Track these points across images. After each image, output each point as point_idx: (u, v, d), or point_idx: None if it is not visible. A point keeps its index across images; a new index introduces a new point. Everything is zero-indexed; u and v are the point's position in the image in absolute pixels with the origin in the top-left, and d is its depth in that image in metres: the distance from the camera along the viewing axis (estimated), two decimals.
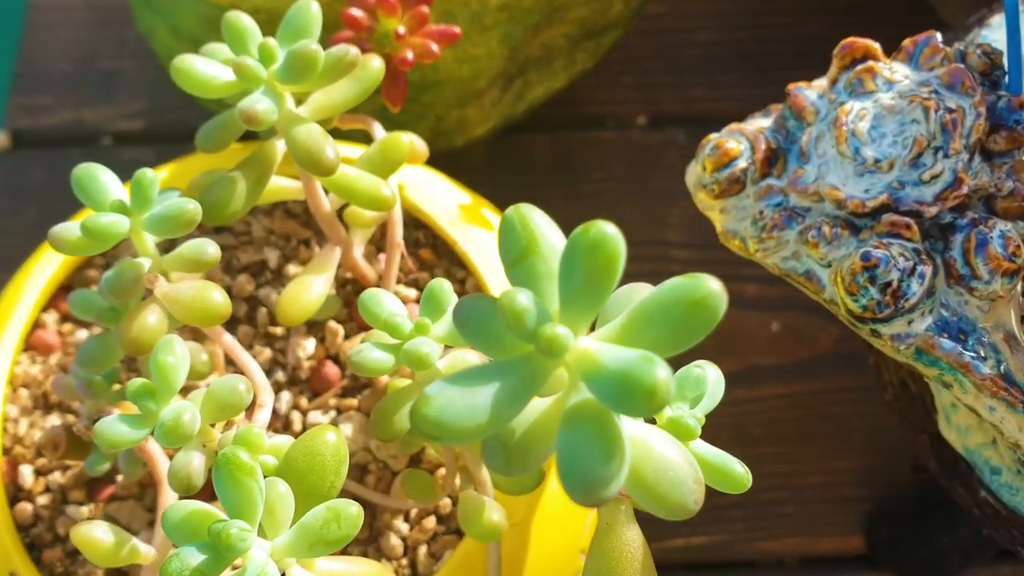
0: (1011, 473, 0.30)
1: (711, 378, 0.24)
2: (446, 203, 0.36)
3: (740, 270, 0.55)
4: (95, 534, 0.25)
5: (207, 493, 0.25)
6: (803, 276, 0.27)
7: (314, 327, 0.35)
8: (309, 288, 0.31)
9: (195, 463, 0.24)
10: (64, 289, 0.36)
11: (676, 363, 0.27)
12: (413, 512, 0.32)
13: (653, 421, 0.25)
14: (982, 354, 0.25)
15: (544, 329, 0.17)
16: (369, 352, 0.25)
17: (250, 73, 0.27)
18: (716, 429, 0.53)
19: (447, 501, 0.32)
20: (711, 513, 0.50)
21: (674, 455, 0.20)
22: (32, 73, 0.59)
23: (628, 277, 0.55)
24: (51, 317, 0.35)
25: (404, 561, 0.32)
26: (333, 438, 0.23)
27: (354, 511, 0.22)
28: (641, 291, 0.22)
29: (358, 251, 0.34)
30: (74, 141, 0.58)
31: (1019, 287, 0.26)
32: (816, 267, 0.27)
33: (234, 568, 0.22)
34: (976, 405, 0.25)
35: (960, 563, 0.45)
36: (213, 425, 0.25)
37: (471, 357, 0.27)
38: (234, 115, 0.27)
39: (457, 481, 0.31)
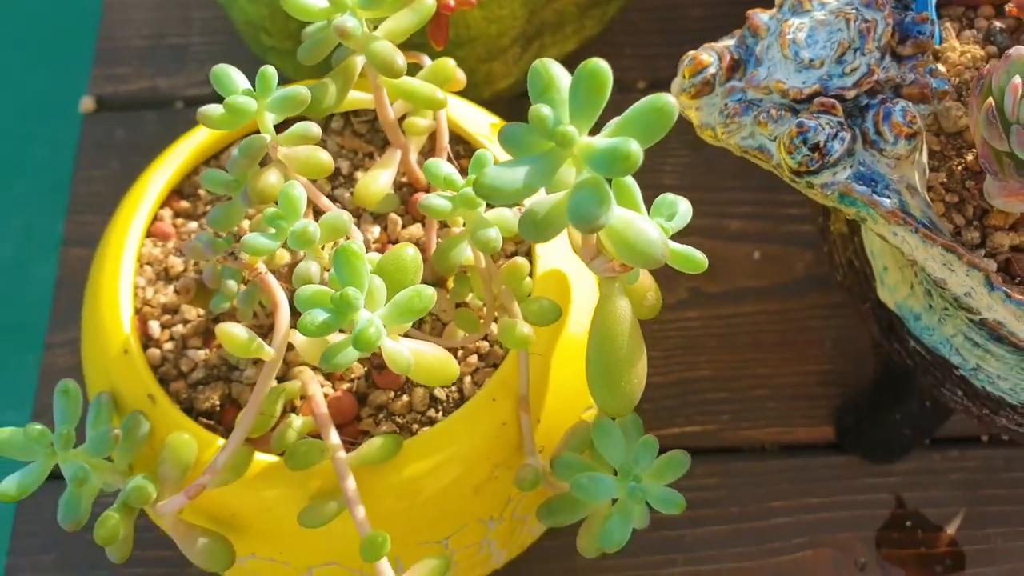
0: (928, 314, 0.39)
1: (681, 207, 0.33)
2: (481, 124, 0.45)
3: (727, 209, 0.64)
4: (234, 330, 0.34)
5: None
6: (757, 150, 0.36)
7: (379, 218, 0.43)
8: (378, 177, 0.40)
9: (313, 268, 0.33)
10: (176, 193, 0.44)
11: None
12: (459, 352, 0.41)
13: None
14: (887, 195, 0.33)
15: (559, 128, 0.26)
16: (434, 199, 0.34)
17: (339, 1, 0.36)
18: (705, 338, 0.62)
19: (485, 344, 0.41)
20: (702, 407, 0.59)
21: (651, 229, 0.28)
22: (111, 48, 0.69)
23: None
24: (167, 213, 0.44)
25: (453, 388, 0.41)
26: (412, 252, 0.32)
27: (430, 292, 0.31)
28: None
29: (413, 156, 0.42)
30: (150, 105, 0.67)
31: (919, 154, 0.35)
32: (766, 142, 0.35)
33: (343, 332, 0.30)
34: (884, 232, 0.33)
35: (910, 436, 0.54)
36: (323, 248, 0.34)
37: (508, 213, 0.36)
38: (328, 31, 0.36)
39: (493, 326, 0.40)
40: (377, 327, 0.30)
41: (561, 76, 0.27)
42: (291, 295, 0.38)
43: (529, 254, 0.42)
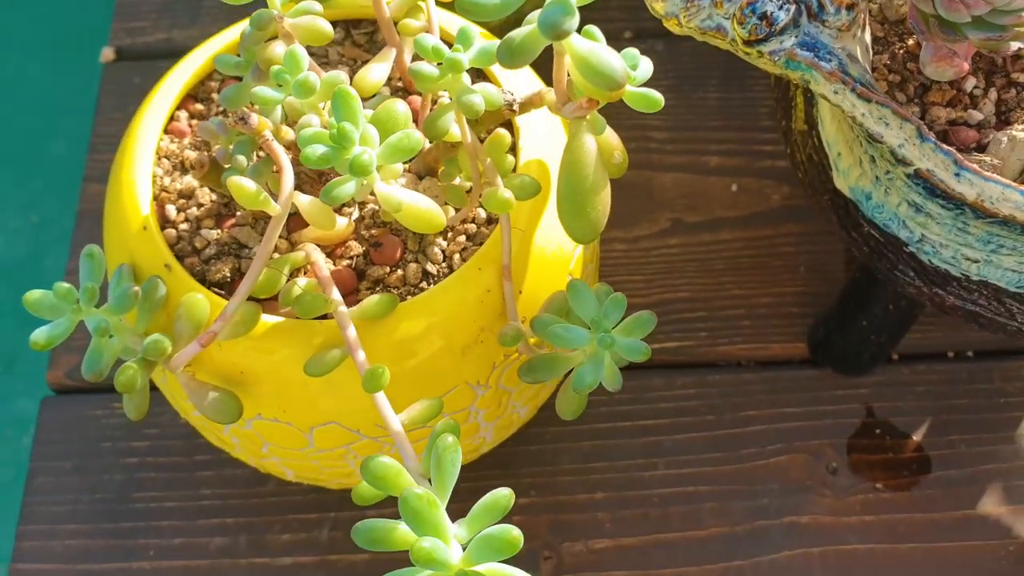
0: (876, 190, 0.43)
1: (643, 63, 0.36)
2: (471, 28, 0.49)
3: (707, 147, 0.68)
4: (243, 182, 0.38)
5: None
6: (715, 30, 0.39)
7: None
8: (374, 69, 0.44)
9: (314, 120, 0.37)
10: (190, 97, 0.49)
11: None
12: (450, 233, 0.45)
13: None
14: (828, 59, 0.37)
15: None
16: (423, 65, 0.38)
17: None
18: (684, 263, 0.66)
19: (473, 226, 0.45)
20: (681, 325, 0.63)
21: (613, 57, 0.32)
22: (130, 3, 0.73)
23: None
24: (183, 114, 0.48)
25: (443, 264, 0.44)
26: (403, 107, 0.36)
27: (418, 135, 0.35)
28: None
29: (407, 56, 0.46)
30: (165, 55, 0.71)
31: (860, 30, 0.39)
32: (723, 21, 0.39)
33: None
34: (826, 92, 0.37)
35: (878, 345, 0.57)
36: (324, 107, 0.38)
37: (490, 88, 0.40)
38: None
39: (481, 212, 0.44)
40: (371, 156, 0.34)
41: None
42: (296, 165, 0.42)
43: (514, 149, 0.46)
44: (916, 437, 0.59)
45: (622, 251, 0.64)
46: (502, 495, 0.35)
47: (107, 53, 0.70)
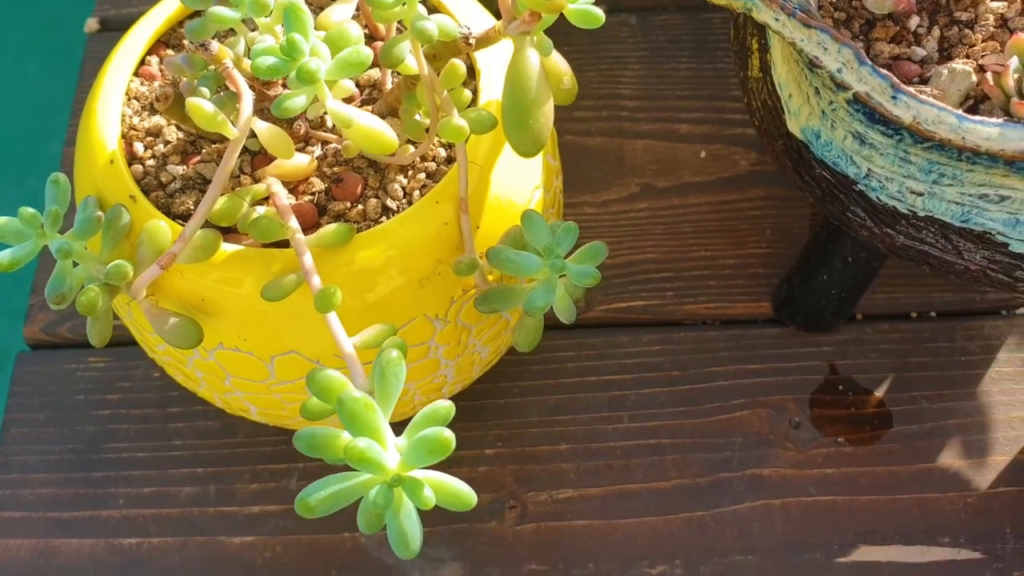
0: (823, 126, 0.44)
1: None
2: None
3: (677, 115, 0.69)
4: (201, 103, 0.39)
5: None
6: None
7: None
8: (337, 9, 0.45)
9: (269, 39, 0.38)
10: (162, 43, 0.50)
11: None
12: (410, 171, 0.46)
13: None
14: None
15: None
16: None
17: None
18: (652, 226, 0.67)
19: (433, 164, 0.46)
20: (647, 285, 0.64)
21: None
22: None
23: (590, 121, 0.71)
24: (154, 60, 0.49)
25: (403, 200, 0.45)
26: (356, 29, 0.37)
27: (368, 51, 0.36)
28: None
29: None
30: None
31: None
32: None
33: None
34: (768, 20, 0.38)
35: (837, 298, 0.58)
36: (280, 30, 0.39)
37: (445, 19, 0.41)
38: None
39: (442, 151, 0.45)
40: (319, 64, 0.35)
41: None
42: (260, 103, 0.43)
43: (475, 93, 0.47)
44: (878, 393, 0.59)
45: (591, 215, 0.65)
46: (442, 405, 0.35)
47: (91, 23, 0.72)
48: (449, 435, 0.33)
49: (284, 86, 0.45)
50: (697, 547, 0.55)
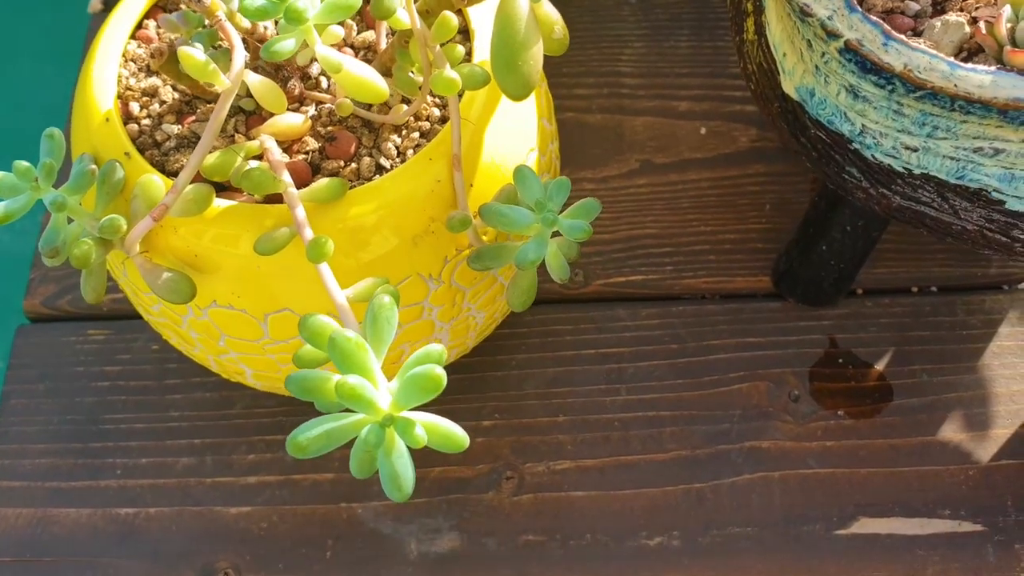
0: (817, 82, 0.44)
1: None
2: None
3: (677, 92, 0.69)
4: (193, 52, 0.39)
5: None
6: None
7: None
8: None
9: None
10: (159, 7, 0.50)
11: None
12: (404, 130, 0.46)
13: None
14: None
15: None
16: None
17: None
18: (652, 201, 0.67)
19: (427, 123, 0.46)
20: (647, 259, 0.64)
21: None
22: None
23: (590, 98, 0.72)
24: (152, 24, 0.50)
25: (397, 160, 0.45)
26: None
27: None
28: None
29: None
30: None
31: None
32: None
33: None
34: None
35: (836, 269, 0.58)
36: None
37: None
38: None
39: (436, 111, 0.45)
40: (306, 4, 0.35)
41: None
42: (254, 60, 0.43)
43: (470, 54, 0.47)
44: (878, 367, 0.59)
45: (590, 190, 0.65)
46: (434, 349, 0.35)
47: (95, 3, 0.72)
48: (440, 372, 0.33)
49: None
50: (695, 519, 0.55)
